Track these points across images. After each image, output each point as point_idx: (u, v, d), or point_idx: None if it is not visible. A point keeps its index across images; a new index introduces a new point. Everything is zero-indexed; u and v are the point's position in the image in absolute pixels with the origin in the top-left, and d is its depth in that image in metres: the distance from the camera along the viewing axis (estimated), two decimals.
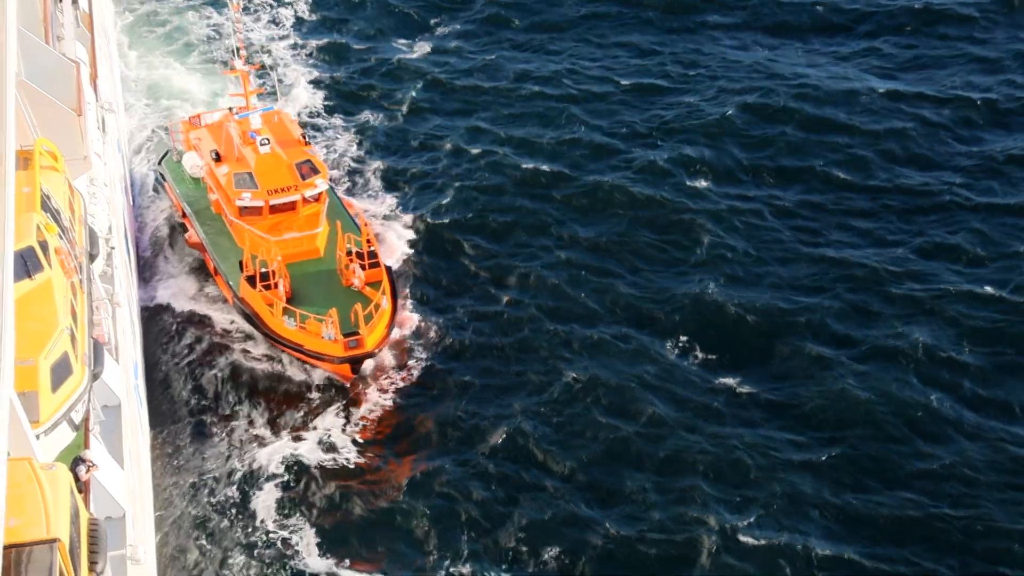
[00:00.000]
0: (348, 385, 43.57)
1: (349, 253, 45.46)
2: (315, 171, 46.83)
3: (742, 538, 37.32)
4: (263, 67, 56.86)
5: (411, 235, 50.08)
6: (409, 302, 46.77)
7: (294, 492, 39.74)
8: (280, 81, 57.55)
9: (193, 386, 44.31)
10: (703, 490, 38.93)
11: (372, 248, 45.54)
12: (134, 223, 50.74)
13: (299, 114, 57.08)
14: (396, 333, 44.62)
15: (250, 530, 38.59)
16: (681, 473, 39.61)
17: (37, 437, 25.40)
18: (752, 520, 37.97)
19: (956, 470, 39.24)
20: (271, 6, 67.02)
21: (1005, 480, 38.98)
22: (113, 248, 37.59)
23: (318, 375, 44.08)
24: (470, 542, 37.87)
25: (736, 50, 61.41)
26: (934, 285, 46.43)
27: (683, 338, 44.65)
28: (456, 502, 39.08)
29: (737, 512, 38.28)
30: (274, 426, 42.50)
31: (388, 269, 45.66)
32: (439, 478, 40.06)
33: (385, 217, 51.19)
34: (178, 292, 48.39)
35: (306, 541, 38.14)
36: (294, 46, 63.53)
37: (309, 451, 41.15)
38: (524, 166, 53.51)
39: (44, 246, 28.03)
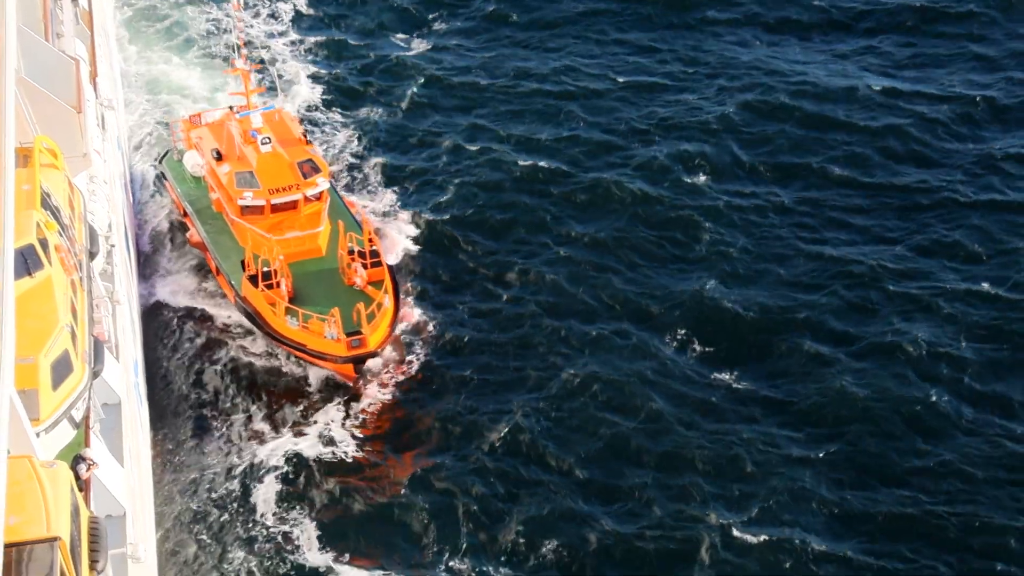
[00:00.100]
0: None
1: (351, 252, 45.42)
2: (316, 170, 46.80)
3: (740, 534, 37.39)
4: (263, 63, 56.83)
5: (411, 231, 50.06)
6: (409, 298, 46.79)
7: (294, 487, 39.82)
8: (280, 76, 57.52)
9: (193, 382, 44.38)
10: (701, 486, 39.02)
11: (374, 247, 45.50)
12: (134, 220, 50.71)
13: (298, 110, 57.05)
14: (396, 329, 44.61)
15: (250, 525, 38.66)
16: (680, 469, 39.69)
17: (37, 435, 25.43)
18: (750, 516, 38.04)
19: (953, 466, 39.32)
20: (270, 1, 66.96)
21: (1002, 476, 39.09)
22: (113, 246, 37.59)
23: (317, 371, 44.07)
24: (469, 537, 37.95)
25: (735, 46, 61.37)
26: (932, 282, 46.47)
27: (682, 334, 44.71)
28: (455, 497, 39.14)
29: (735, 508, 38.34)
30: (274, 422, 42.60)
31: (390, 268, 45.63)
32: (438, 473, 40.15)
33: (384, 213, 51.18)
34: (178, 289, 48.41)
35: (306, 535, 38.25)
36: (293, 42, 63.47)
37: (309, 446, 41.21)
38: (523, 163, 53.50)
39: (44, 244, 28.04)
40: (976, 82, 57.44)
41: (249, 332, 45.85)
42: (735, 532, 37.44)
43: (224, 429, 42.35)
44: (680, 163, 53.04)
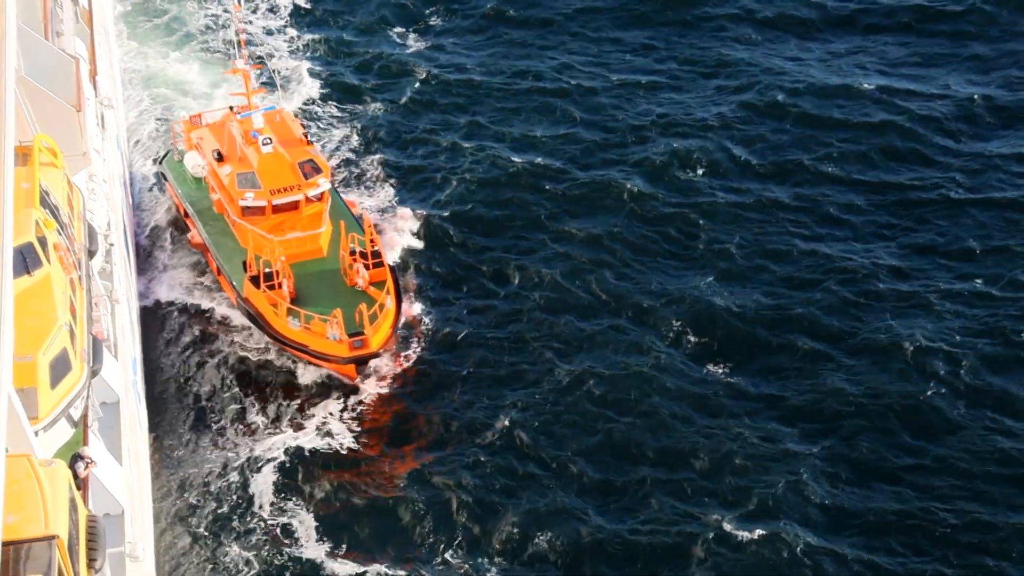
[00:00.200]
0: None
1: (353, 253, 45.39)
2: (317, 170, 46.79)
3: (736, 530, 37.51)
4: (261, 60, 56.79)
5: (409, 229, 50.16)
6: (408, 294, 46.85)
7: (292, 481, 39.96)
8: (276, 72, 57.54)
9: (191, 380, 44.46)
10: (697, 482, 39.22)
11: (376, 248, 45.50)
12: (133, 219, 50.71)
13: (296, 108, 57.08)
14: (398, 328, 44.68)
15: (248, 519, 38.81)
16: (676, 465, 39.86)
17: (36, 433, 25.42)
18: (746, 512, 38.17)
19: (948, 463, 39.53)
20: None
21: (995, 471, 39.26)
22: (112, 244, 37.57)
23: (315, 368, 44.12)
24: (465, 532, 38.15)
25: (733, 43, 61.43)
26: (927, 280, 46.65)
27: (679, 331, 44.87)
28: (452, 492, 39.30)
29: (731, 504, 38.49)
30: (272, 417, 42.72)
31: (392, 269, 45.62)
32: (436, 468, 40.31)
33: (382, 210, 51.28)
34: (177, 287, 48.45)
35: (304, 529, 38.44)
36: (291, 39, 63.54)
37: (307, 441, 41.35)
38: (521, 160, 53.60)
39: (43, 242, 28.03)
40: (972, 81, 57.53)
41: (247, 328, 45.89)
42: (731, 528, 37.56)
43: (223, 426, 42.44)
44: (677, 161, 53.13)
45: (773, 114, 55.87)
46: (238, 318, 46.39)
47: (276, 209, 46.27)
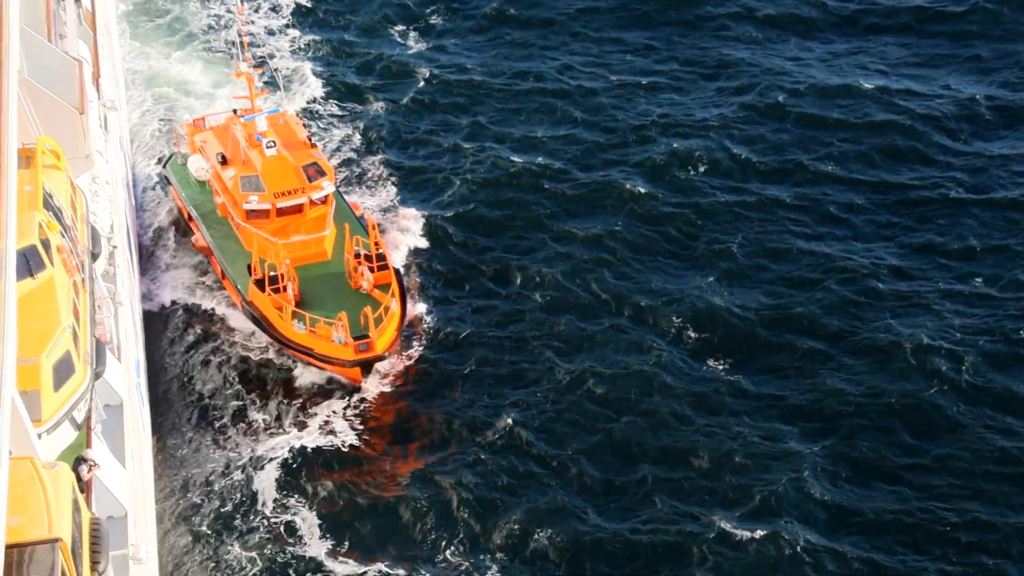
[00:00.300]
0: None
1: (357, 256, 45.39)
2: (322, 173, 46.79)
3: (736, 529, 37.56)
4: (263, 60, 56.81)
5: (410, 229, 50.23)
6: (410, 294, 46.91)
7: (295, 482, 40.07)
8: (277, 71, 57.62)
9: (195, 382, 44.50)
10: (698, 482, 39.31)
11: (381, 251, 45.50)
12: (136, 221, 50.75)
13: (298, 108, 57.14)
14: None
15: (251, 517, 38.90)
16: (676, 465, 39.97)
17: (39, 436, 25.43)
18: (746, 511, 38.24)
19: (948, 462, 39.60)
20: None
21: (993, 469, 39.31)
22: (115, 247, 37.57)
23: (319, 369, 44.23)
24: (467, 530, 38.25)
25: (733, 43, 61.45)
26: (927, 280, 46.71)
27: (679, 331, 44.92)
28: (454, 491, 39.38)
29: (731, 503, 38.57)
30: (275, 417, 42.79)
31: (397, 272, 45.62)
32: (438, 467, 40.43)
33: (384, 211, 51.35)
34: (180, 288, 48.48)
35: (307, 527, 38.54)
36: (293, 39, 63.63)
37: (310, 440, 41.45)
38: (523, 161, 53.66)
39: (46, 245, 28.03)
40: (973, 81, 57.57)
41: (249, 329, 45.97)
42: (731, 527, 37.63)
43: (225, 426, 42.50)
44: (678, 161, 53.18)
45: (774, 114, 55.93)
46: (240, 319, 46.40)
47: (280, 212, 46.26)
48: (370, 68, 61.13)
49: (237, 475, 40.42)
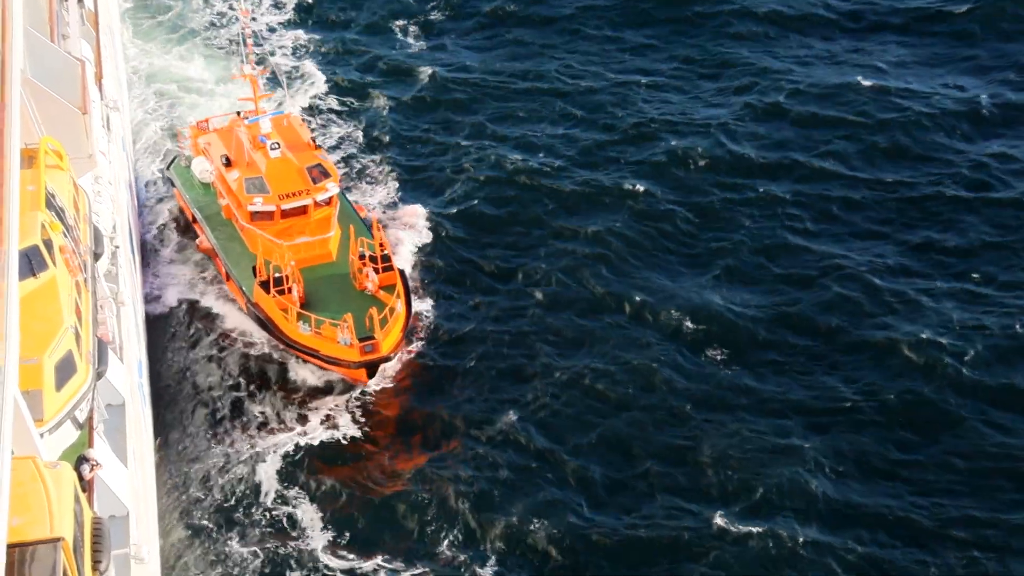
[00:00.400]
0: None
1: (362, 257, 45.41)
2: (326, 175, 46.82)
3: (736, 525, 37.69)
4: (263, 60, 56.89)
5: (412, 226, 50.34)
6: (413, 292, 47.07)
7: (297, 479, 40.22)
8: (277, 67, 57.69)
9: (197, 380, 44.55)
10: (697, 478, 39.48)
11: (385, 252, 45.52)
12: (139, 221, 50.81)
13: (300, 109, 57.24)
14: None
15: (253, 518, 39.01)
16: (676, 461, 40.12)
17: (41, 436, 25.45)
18: (745, 507, 38.39)
19: (948, 460, 39.69)
20: None
21: (994, 467, 39.42)
22: (118, 247, 37.60)
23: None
24: (467, 526, 38.41)
25: (734, 41, 61.47)
26: (927, 278, 46.77)
27: (679, 328, 44.99)
28: (455, 487, 39.54)
29: (731, 499, 38.74)
30: (277, 415, 42.90)
31: (402, 272, 45.63)
32: (439, 463, 40.59)
33: (386, 209, 51.46)
34: (182, 288, 48.53)
35: (310, 525, 38.73)
36: (296, 38, 63.70)
37: (312, 438, 41.61)
38: (524, 160, 53.76)
39: (49, 245, 28.06)
40: (974, 81, 57.57)
41: (252, 329, 46.07)
42: (731, 523, 37.75)
43: (227, 426, 42.55)
44: (678, 159, 53.25)
45: (774, 112, 56.00)
46: (241, 317, 46.51)
47: (285, 214, 46.29)
48: (371, 66, 61.23)
49: (238, 472, 40.58)
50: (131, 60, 61.56)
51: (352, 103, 58.43)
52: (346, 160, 54.53)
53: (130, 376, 34.10)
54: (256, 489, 39.93)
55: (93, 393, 28.27)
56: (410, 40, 63.42)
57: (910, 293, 45.90)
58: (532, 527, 38.09)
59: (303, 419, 42.62)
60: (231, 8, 65.36)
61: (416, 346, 44.99)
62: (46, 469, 22.22)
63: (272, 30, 64.09)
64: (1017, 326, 44.02)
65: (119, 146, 45.95)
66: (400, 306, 43.89)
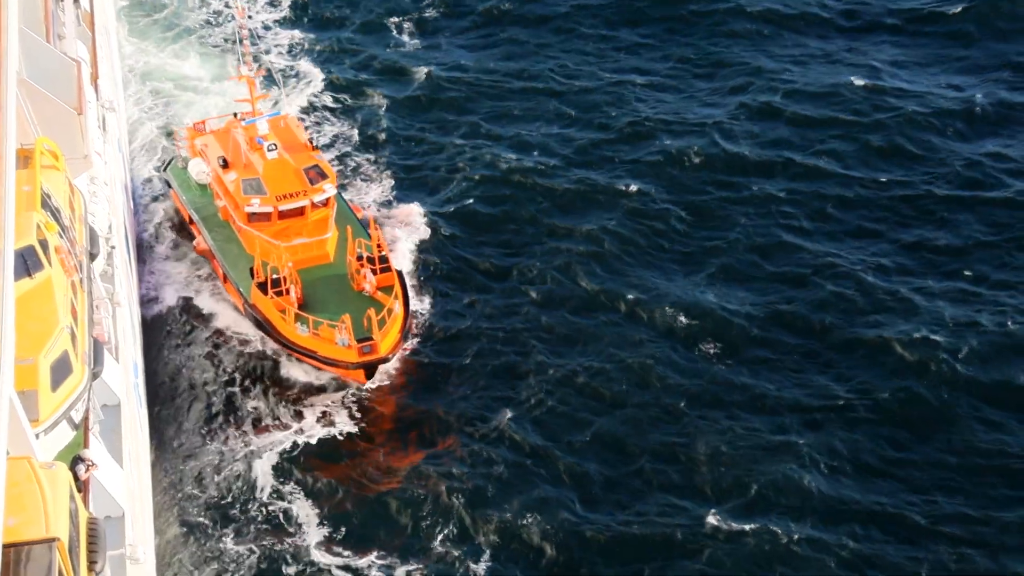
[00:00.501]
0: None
1: (360, 258, 45.40)
2: (323, 176, 46.83)
3: (729, 523, 37.89)
4: (258, 56, 56.93)
5: (407, 225, 50.45)
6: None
7: (293, 478, 40.36)
8: (271, 64, 57.77)
9: (192, 381, 44.61)
10: (691, 476, 39.70)
11: (383, 252, 45.53)
12: (134, 222, 50.80)
13: (295, 108, 57.28)
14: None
15: (249, 518, 39.11)
16: (670, 459, 40.32)
17: (37, 436, 25.43)
18: (738, 505, 38.58)
19: (939, 457, 39.88)
20: None
21: (986, 464, 39.58)
22: (113, 247, 37.60)
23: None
24: (461, 523, 38.58)
25: (728, 41, 61.58)
26: (919, 277, 46.94)
27: (673, 327, 45.14)
28: (450, 484, 39.71)
29: (724, 497, 38.93)
30: (273, 415, 42.99)
31: (399, 273, 45.65)
32: (434, 461, 40.76)
33: (380, 208, 51.56)
34: (178, 289, 48.53)
35: (304, 518, 38.97)
36: (291, 37, 63.75)
37: (307, 437, 41.79)
38: (518, 159, 53.89)
39: (44, 245, 28.06)
40: (965, 80, 57.71)
41: (248, 329, 46.10)
42: (724, 520, 37.97)
43: (223, 426, 42.63)
44: (672, 158, 53.40)
45: (768, 111, 56.14)
46: (236, 317, 46.56)
47: (282, 215, 46.31)
48: (367, 65, 61.30)
49: (234, 470, 40.69)
50: (126, 58, 61.59)
51: (347, 102, 58.50)
52: (341, 159, 54.64)
53: (126, 376, 34.10)
54: (252, 487, 40.07)
55: (89, 393, 28.26)
56: (405, 39, 63.50)
57: (903, 291, 46.10)
58: (526, 524, 38.29)
59: (298, 417, 42.76)
60: (227, 6, 65.47)
61: (411, 344, 45.10)
62: (42, 469, 22.20)
63: (267, 28, 64.16)
64: (1009, 324, 44.22)
65: (115, 146, 45.95)
66: (398, 307, 43.89)
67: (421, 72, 60.05)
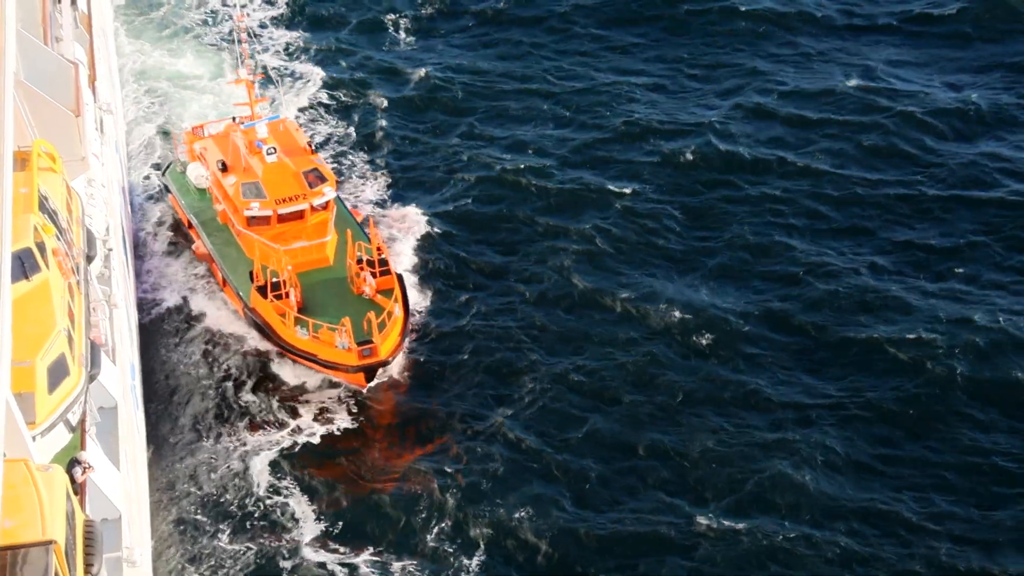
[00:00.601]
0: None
1: (359, 261, 45.34)
2: (322, 179, 46.84)
3: (722, 521, 38.13)
4: (253, 54, 56.98)
5: (403, 226, 50.57)
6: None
7: (290, 479, 40.50)
8: (264, 65, 57.79)
9: (189, 383, 44.69)
10: (684, 475, 39.91)
11: (383, 255, 45.47)
12: (132, 224, 50.78)
13: (291, 108, 57.29)
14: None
15: (246, 519, 39.20)
16: (664, 458, 40.54)
17: (33, 438, 25.38)
18: (731, 504, 38.79)
19: (932, 456, 40.08)
20: None
21: (982, 462, 39.78)
22: (111, 249, 37.53)
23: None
24: (456, 522, 38.80)
25: (723, 42, 61.75)
26: (913, 277, 47.15)
27: (668, 327, 45.33)
28: (444, 483, 39.93)
29: (717, 496, 39.13)
30: (270, 416, 43.10)
31: (399, 277, 45.61)
32: (429, 459, 41.03)
33: (376, 208, 51.64)
34: (175, 291, 48.57)
35: (300, 517, 39.19)
36: (287, 38, 63.81)
37: (304, 437, 42.00)
38: (514, 160, 54.04)
39: (41, 247, 28.01)
40: (958, 82, 57.90)
41: (245, 331, 46.17)
42: (717, 519, 38.20)
43: (220, 428, 42.72)
44: (666, 159, 53.59)
45: (763, 112, 56.34)
46: (234, 318, 46.53)
47: (282, 219, 46.32)
48: (363, 66, 61.40)
49: (230, 470, 40.81)
50: (122, 57, 61.60)
51: (344, 102, 58.63)
52: (337, 159, 54.72)
53: (123, 379, 34.07)
54: (248, 486, 40.21)
55: (86, 396, 28.21)
56: (401, 40, 63.65)
57: (897, 290, 46.31)
58: (521, 521, 38.47)
59: (294, 416, 42.93)
60: (224, 4, 65.60)
61: (407, 342, 45.07)
62: (38, 472, 22.18)
63: (263, 26, 64.18)
64: (1002, 322, 44.36)
65: (112, 149, 45.92)
66: (398, 310, 43.86)
67: (418, 73, 60.16)
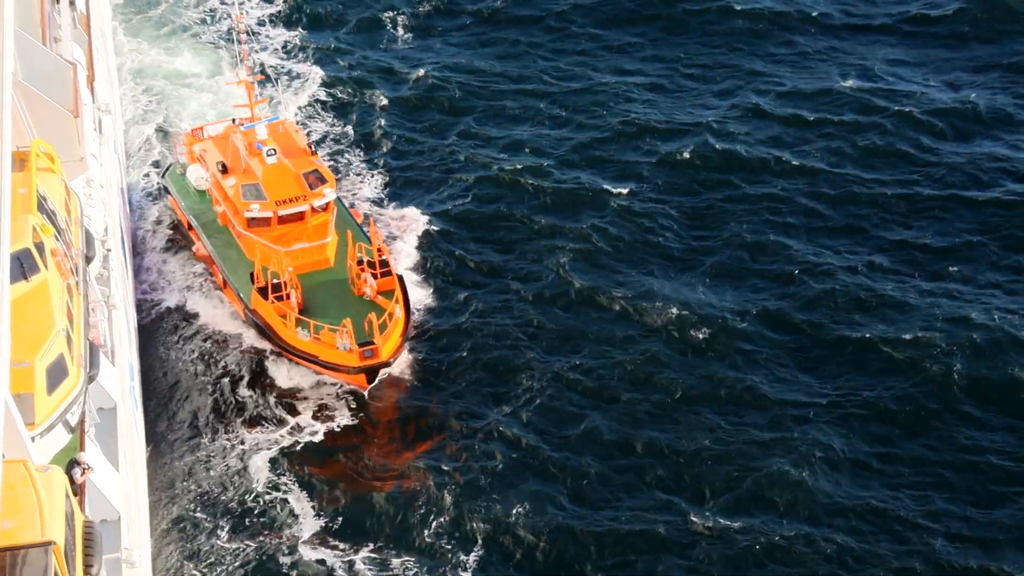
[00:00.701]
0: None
1: (360, 262, 45.36)
2: (323, 180, 46.84)
3: (719, 520, 38.22)
4: (250, 54, 57.00)
5: (401, 226, 50.63)
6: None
7: (289, 479, 40.57)
8: (263, 64, 57.82)
9: (189, 383, 44.73)
10: (682, 473, 40.02)
11: (383, 257, 45.49)
12: (130, 224, 50.79)
13: (296, 110, 57.34)
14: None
15: (245, 520, 39.29)
16: (662, 457, 40.64)
17: (32, 439, 25.40)
18: (729, 502, 38.91)
19: (930, 455, 40.19)
20: None
21: (979, 460, 39.87)
22: (109, 250, 37.53)
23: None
24: (455, 520, 38.91)
25: (721, 43, 61.84)
26: (909, 277, 47.22)
27: (665, 326, 45.45)
28: (443, 481, 40.06)
29: (715, 495, 39.26)
30: (268, 417, 43.21)
31: (400, 278, 45.62)
32: (428, 458, 41.19)
33: (375, 207, 51.69)
34: (174, 292, 48.58)
35: (299, 515, 39.37)
36: (285, 38, 63.82)
37: (303, 436, 42.13)
38: (513, 160, 54.14)
39: (40, 248, 28.03)
40: (956, 82, 57.95)
41: (244, 332, 46.23)
42: (715, 517, 38.34)
43: (219, 429, 42.79)
44: (663, 158, 53.68)
45: (761, 112, 56.42)
46: (232, 317, 46.53)
47: (282, 220, 46.31)
48: (361, 65, 61.48)
49: (231, 477, 40.78)
50: (120, 55, 61.63)
51: (342, 101, 58.70)
52: (335, 158, 54.77)
53: (122, 379, 34.09)
54: (247, 483, 40.35)
55: (84, 397, 28.22)
56: (399, 39, 63.70)
57: (894, 290, 46.43)
58: (519, 519, 38.58)
59: (293, 413, 43.12)
60: (222, 3, 65.64)
61: (408, 343, 45.12)
62: (37, 473, 22.20)
63: (261, 24, 64.30)
64: (998, 321, 44.45)
65: (111, 149, 45.91)
66: (399, 311, 43.88)
67: (416, 73, 60.21)
